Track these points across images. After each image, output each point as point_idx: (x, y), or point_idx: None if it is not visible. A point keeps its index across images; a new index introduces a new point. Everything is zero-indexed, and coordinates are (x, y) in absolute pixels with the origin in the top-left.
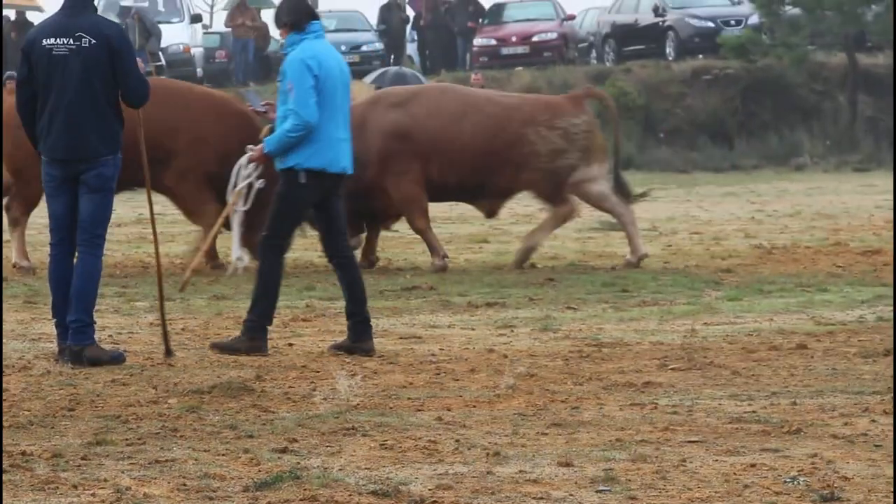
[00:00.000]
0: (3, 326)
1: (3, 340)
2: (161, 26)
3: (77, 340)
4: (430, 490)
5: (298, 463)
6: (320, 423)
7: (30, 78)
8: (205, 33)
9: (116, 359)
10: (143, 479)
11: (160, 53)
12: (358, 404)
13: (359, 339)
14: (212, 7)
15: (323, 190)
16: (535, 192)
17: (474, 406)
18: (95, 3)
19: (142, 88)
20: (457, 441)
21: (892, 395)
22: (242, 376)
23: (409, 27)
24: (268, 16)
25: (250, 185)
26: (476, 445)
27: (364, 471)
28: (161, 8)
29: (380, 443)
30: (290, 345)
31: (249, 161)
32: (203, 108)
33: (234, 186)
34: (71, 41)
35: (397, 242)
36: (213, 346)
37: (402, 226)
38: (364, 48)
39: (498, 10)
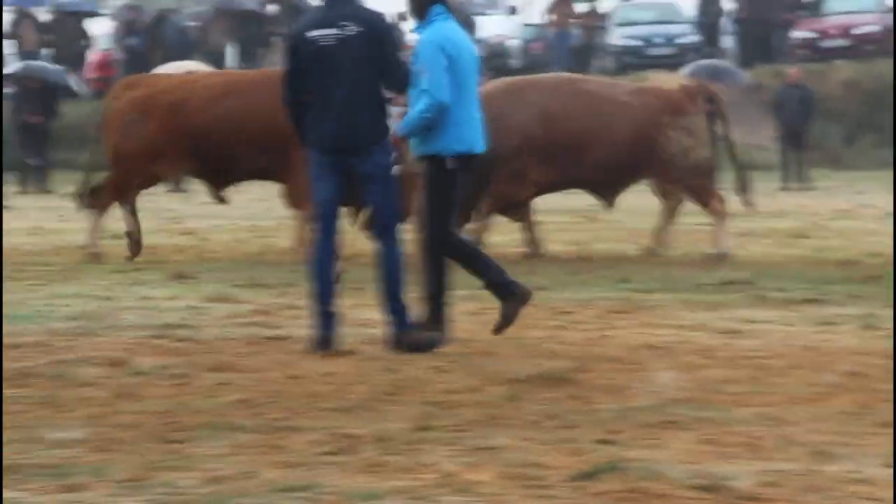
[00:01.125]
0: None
1: None
2: (478, 18)
3: (401, 327)
4: (755, 486)
5: (619, 454)
6: (640, 415)
7: (297, 71)
8: (522, 25)
9: (433, 343)
10: (467, 466)
11: (477, 44)
12: (678, 398)
13: (508, 315)
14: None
15: (466, 172)
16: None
17: (796, 403)
18: None
19: (404, 75)
20: (780, 437)
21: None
22: (561, 366)
23: (725, 19)
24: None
25: None
26: (800, 443)
27: (686, 464)
28: (479, 1)
29: (701, 437)
30: (607, 336)
31: None
32: None
33: None
34: (336, 31)
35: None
36: (402, 346)
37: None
38: (679, 40)
39: (817, 2)
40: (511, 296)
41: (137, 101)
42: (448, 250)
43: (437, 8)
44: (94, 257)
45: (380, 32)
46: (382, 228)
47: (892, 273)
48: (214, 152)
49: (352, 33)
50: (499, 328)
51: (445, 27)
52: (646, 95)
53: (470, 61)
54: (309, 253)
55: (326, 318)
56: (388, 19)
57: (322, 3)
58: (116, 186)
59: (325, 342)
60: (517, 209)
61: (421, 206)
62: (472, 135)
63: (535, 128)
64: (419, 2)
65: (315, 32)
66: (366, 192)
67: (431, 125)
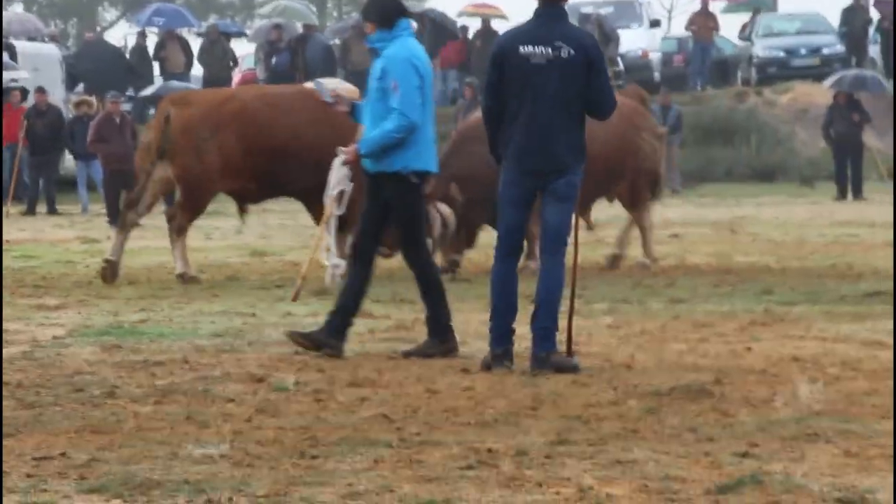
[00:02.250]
0: (468, 328)
1: (468, 340)
2: (620, 31)
3: (543, 347)
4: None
5: (760, 468)
6: (781, 428)
7: (499, 86)
8: (663, 38)
9: (575, 367)
10: (605, 479)
11: (618, 59)
12: (820, 410)
13: (440, 341)
14: (670, 12)
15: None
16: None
17: None
18: None
19: (610, 103)
20: None
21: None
22: (701, 379)
23: (872, 29)
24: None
25: (342, 191)
26: None
27: (828, 477)
28: (620, 13)
29: (843, 450)
30: (749, 349)
31: (344, 163)
32: None
33: (331, 190)
34: (550, 50)
35: (857, 247)
36: (404, 354)
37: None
38: (825, 51)
39: None
40: (442, 341)
41: (204, 119)
42: (419, 264)
43: (404, 23)
44: (193, 280)
45: (593, 58)
46: (552, 246)
47: None
48: (277, 169)
49: (566, 56)
50: (409, 353)
51: (413, 44)
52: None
53: (430, 82)
54: (492, 275)
55: (503, 336)
56: (599, 44)
57: (534, 17)
58: (193, 208)
59: (500, 357)
60: None
61: (396, 227)
62: (430, 154)
63: None
64: (387, 11)
65: (527, 48)
66: (545, 209)
67: (397, 144)
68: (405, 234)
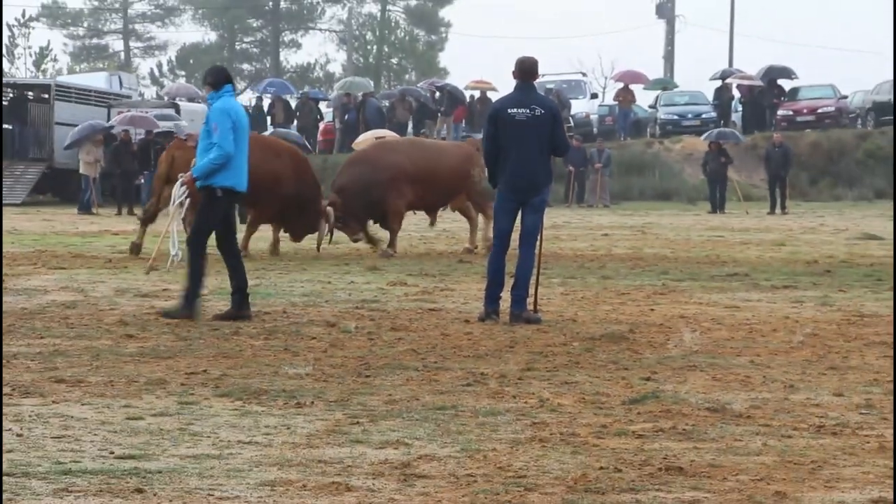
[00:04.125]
0: (470, 293)
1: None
2: (571, 100)
3: (518, 307)
4: (746, 408)
5: (658, 387)
6: (672, 361)
7: (495, 136)
8: (599, 105)
9: (539, 320)
10: (557, 394)
11: (570, 118)
12: (697, 350)
13: (240, 309)
14: (604, 88)
15: (230, 202)
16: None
17: (775, 354)
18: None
19: (566, 146)
20: (763, 377)
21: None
22: (621, 329)
23: (734, 102)
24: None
25: (181, 202)
26: (776, 380)
27: (701, 394)
28: (571, 89)
29: (712, 376)
30: (652, 310)
31: (182, 184)
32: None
33: (174, 202)
34: (528, 111)
35: (723, 244)
36: (163, 314)
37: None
38: (703, 116)
39: (794, 92)
40: (188, 307)
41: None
42: (193, 253)
43: (228, 86)
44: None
45: (556, 116)
46: (528, 240)
47: (840, 269)
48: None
49: (538, 114)
50: (165, 314)
51: (231, 101)
52: (462, 148)
53: (245, 126)
54: (488, 259)
55: (493, 301)
56: (558, 106)
57: (515, 89)
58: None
59: (490, 314)
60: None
61: (195, 219)
62: (239, 176)
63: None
64: (217, 78)
65: (513, 110)
66: (525, 217)
67: (218, 169)
68: (194, 227)
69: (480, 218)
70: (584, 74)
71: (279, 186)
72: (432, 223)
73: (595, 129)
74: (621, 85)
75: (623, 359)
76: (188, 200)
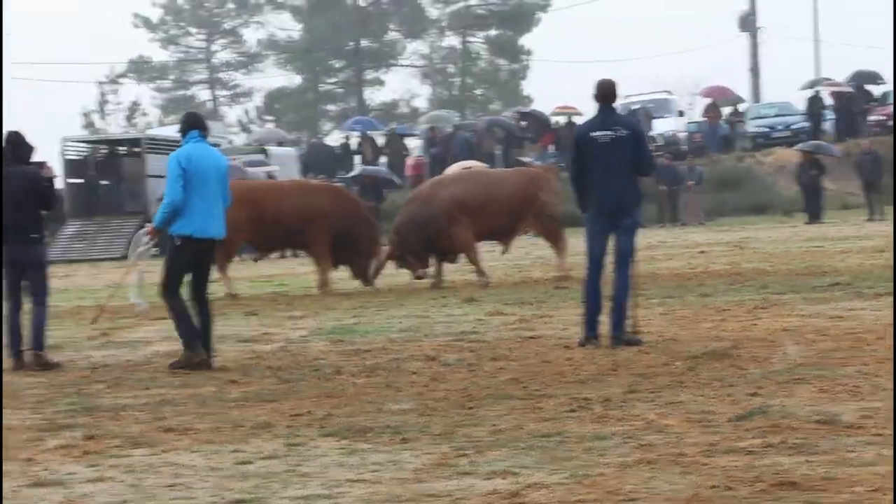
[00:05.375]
0: (570, 319)
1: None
2: (658, 119)
3: (618, 330)
4: (856, 419)
5: (764, 402)
6: (777, 375)
7: (581, 160)
8: (687, 122)
9: (639, 342)
10: (662, 415)
11: (656, 137)
12: (803, 362)
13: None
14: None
15: (194, 250)
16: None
17: (883, 362)
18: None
19: (651, 165)
20: (872, 386)
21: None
22: (723, 346)
23: (826, 111)
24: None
25: (143, 249)
26: (886, 388)
27: (809, 407)
28: (659, 107)
29: (819, 388)
30: (754, 324)
31: (146, 234)
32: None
33: (136, 250)
34: (610, 133)
35: (822, 254)
36: (171, 367)
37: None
38: (793, 126)
39: (884, 96)
40: (193, 350)
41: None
42: (168, 300)
43: (193, 132)
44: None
45: (638, 134)
46: (623, 262)
47: None
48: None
49: (622, 135)
50: (174, 365)
51: (191, 147)
52: (523, 174)
53: (211, 170)
54: (584, 284)
55: (592, 325)
56: (641, 125)
57: (598, 113)
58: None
59: (590, 339)
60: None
61: (164, 267)
62: (198, 223)
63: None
64: (183, 125)
65: (596, 133)
66: (619, 238)
67: (173, 217)
68: (162, 276)
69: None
70: (669, 93)
71: (317, 224)
72: (504, 251)
73: (684, 147)
74: (708, 101)
75: (727, 375)
76: (149, 246)
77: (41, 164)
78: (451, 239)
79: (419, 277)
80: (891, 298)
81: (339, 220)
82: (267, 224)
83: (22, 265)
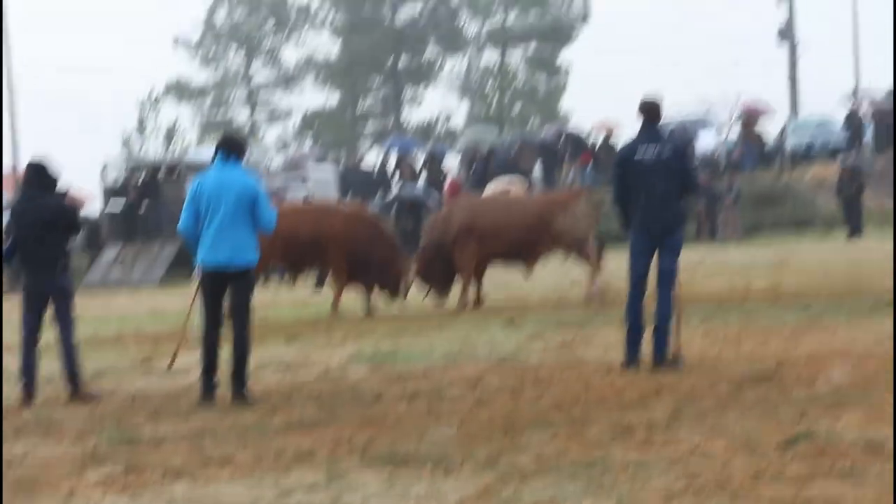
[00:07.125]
0: (611, 341)
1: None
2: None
3: (660, 352)
4: None
5: (811, 426)
6: (823, 398)
7: (624, 180)
8: (726, 138)
9: (682, 364)
10: (708, 438)
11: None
12: (847, 385)
13: (233, 389)
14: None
15: (208, 278)
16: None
17: None
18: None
19: (695, 182)
20: None
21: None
22: (767, 367)
23: (865, 124)
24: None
25: None
26: None
27: (857, 431)
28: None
29: (866, 412)
30: (797, 346)
31: None
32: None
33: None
34: (654, 153)
35: (862, 273)
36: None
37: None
38: (833, 141)
39: None
40: (207, 392)
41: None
42: (206, 332)
43: (219, 154)
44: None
45: (681, 153)
46: (666, 282)
47: None
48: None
49: (665, 155)
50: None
51: (212, 172)
52: (546, 200)
53: (220, 196)
54: (626, 306)
55: (634, 347)
56: (684, 144)
57: (640, 131)
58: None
59: (632, 361)
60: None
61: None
62: (208, 251)
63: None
64: (215, 149)
65: (639, 153)
66: (662, 258)
67: (191, 245)
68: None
69: (587, 263)
70: (708, 109)
71: (334, 247)
72: (527, 274)
73: (723, 164)
74: (747, 117)
75: (772, 398)
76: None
77: (64, 194)
78: (455, 261)
79: (437, 299)
80: None
81: (354, 243)
82: (284, 245)
83: (47, 295)
